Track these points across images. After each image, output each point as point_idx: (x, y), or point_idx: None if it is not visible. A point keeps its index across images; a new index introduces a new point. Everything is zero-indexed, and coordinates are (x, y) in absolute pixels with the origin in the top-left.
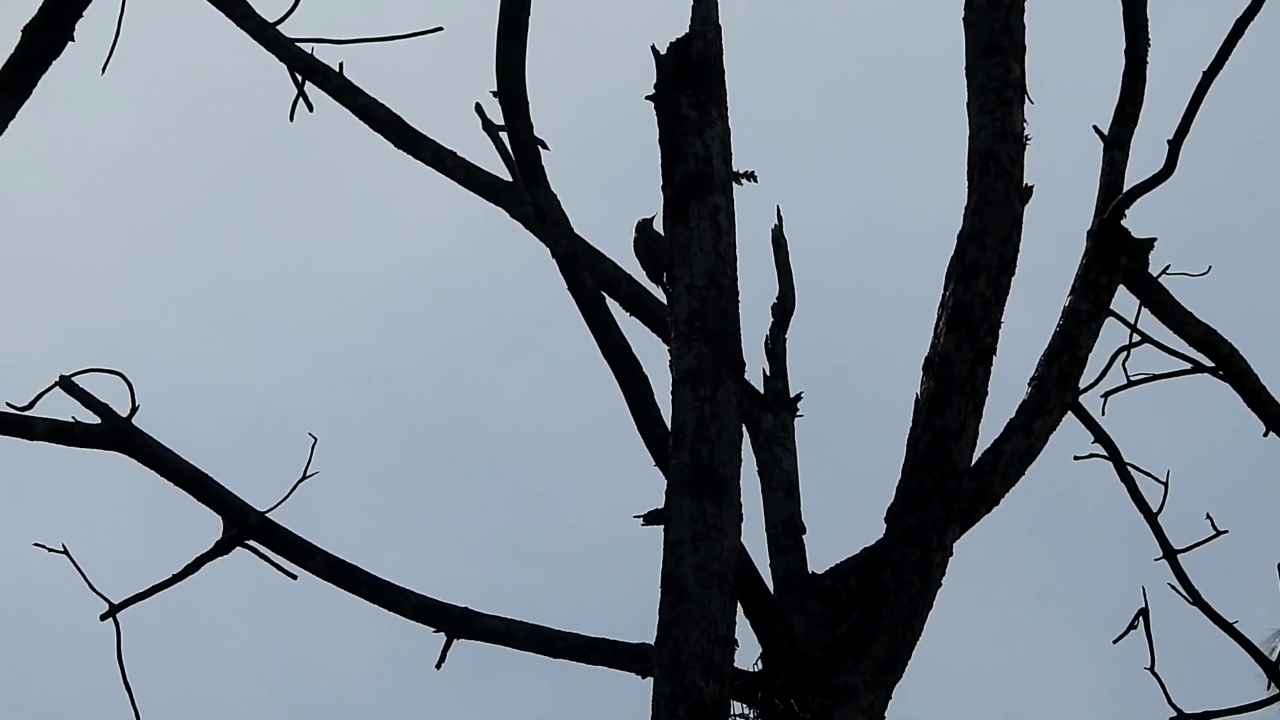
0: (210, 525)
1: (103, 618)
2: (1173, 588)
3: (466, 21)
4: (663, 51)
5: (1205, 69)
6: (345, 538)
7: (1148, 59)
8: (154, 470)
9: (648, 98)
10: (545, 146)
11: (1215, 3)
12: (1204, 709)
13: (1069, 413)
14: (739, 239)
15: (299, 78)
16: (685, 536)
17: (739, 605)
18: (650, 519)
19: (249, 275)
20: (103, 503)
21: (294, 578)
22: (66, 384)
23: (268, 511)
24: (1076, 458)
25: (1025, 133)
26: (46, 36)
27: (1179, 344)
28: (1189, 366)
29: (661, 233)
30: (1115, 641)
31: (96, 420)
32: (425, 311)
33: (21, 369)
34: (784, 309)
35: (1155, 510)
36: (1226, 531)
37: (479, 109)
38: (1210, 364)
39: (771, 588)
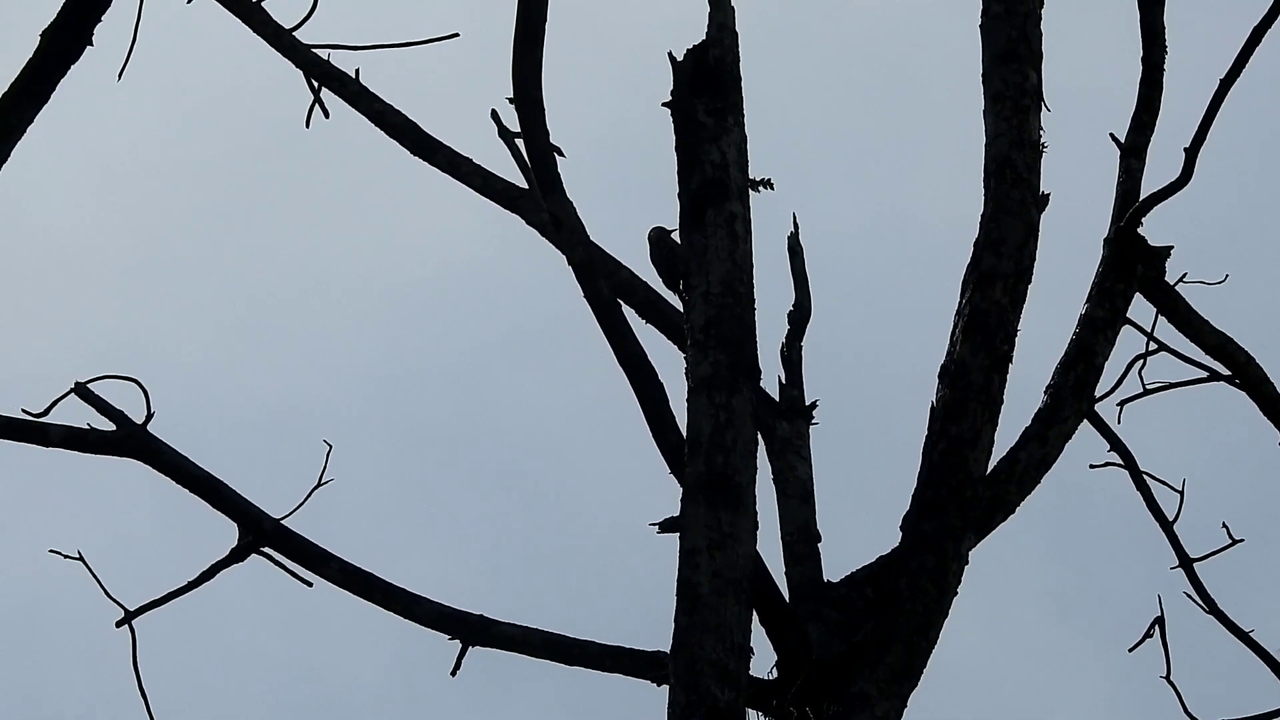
0: (225, 532)
1: (118, 625)
2: (1189, 596)
3: (483, 28)
4: (680, 58)
5: (1222, 77)
6: (360, 545)
7: (1164, 66)
8: (169, 477)
9: (664, 104)
10: (561, 153)
11: (1232, 10)
12: (1220, 718)
13: (1085, 421)
14: (755, 246)
15: (315, 84)
16: (700, 544)
17: (754, 613)
18: (665, 526)
19: (263, 282)
20: (118, 510)
21: (309, 585)
22: (81, 390)
23: (283, 518)
24: (1092, 466)
25: (1042, 140)
26: (64, 41)
27: (1195, 352)
28: (1205, 375)
29: (678, 240)
30: (1131, 650)
31: (112, 427)
32: (441, 318)
33: (36, 375)
34: (800, 316)
35: (1171, 519)
36: (1242, 540)
37: (495, 116)
38: (1227, 372)
39: (787, 595)
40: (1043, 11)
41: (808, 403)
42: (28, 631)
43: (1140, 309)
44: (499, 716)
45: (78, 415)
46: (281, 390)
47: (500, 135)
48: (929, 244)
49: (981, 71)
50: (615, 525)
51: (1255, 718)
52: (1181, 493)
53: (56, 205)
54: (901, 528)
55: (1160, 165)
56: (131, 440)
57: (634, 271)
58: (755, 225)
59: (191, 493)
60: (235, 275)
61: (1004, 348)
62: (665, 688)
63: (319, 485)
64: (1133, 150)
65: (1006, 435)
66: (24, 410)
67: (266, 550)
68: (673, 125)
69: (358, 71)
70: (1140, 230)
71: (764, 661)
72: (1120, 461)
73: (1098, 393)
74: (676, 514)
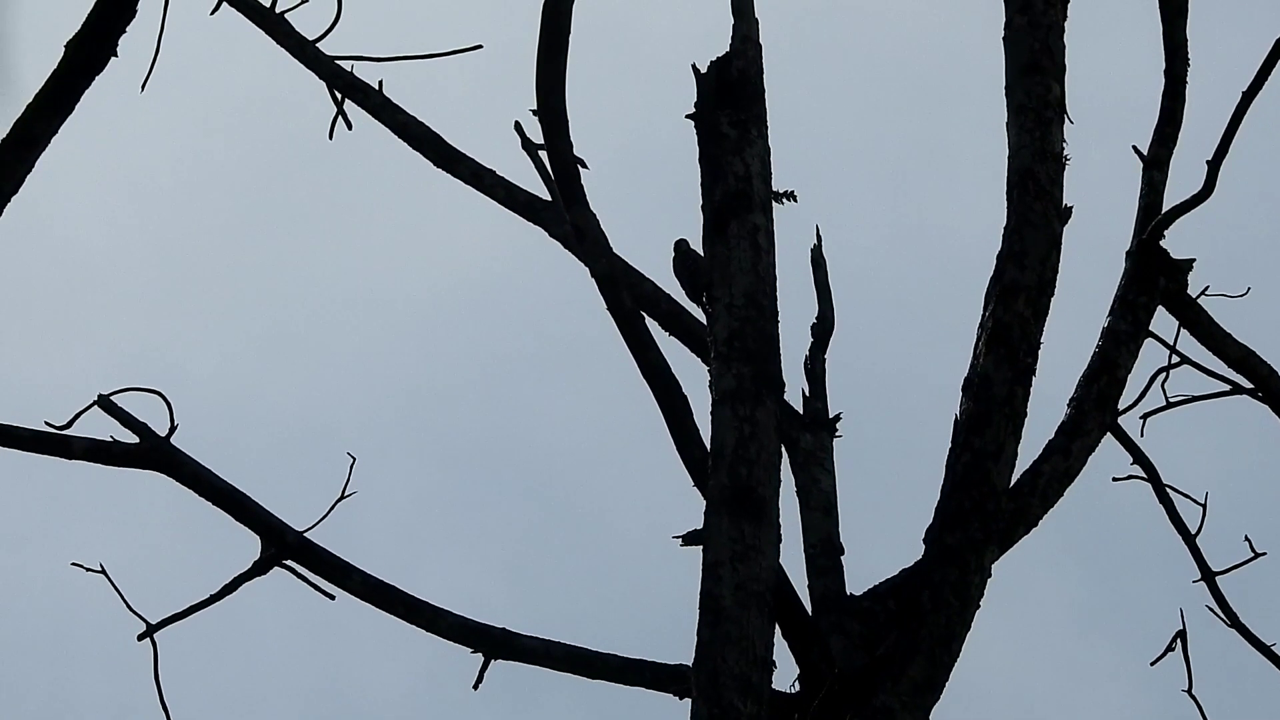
0: (248, 545)
1: (140, 638)
2: (1211, 610)
3: (506, 39)
4: (703, 70)
5: (1245, 89)
6: (383, 558)
7: (1187, 79)
8: (192, 489)
9: (688, 116)
10: (584, 165)
11: (1255, 23)
12: None
13: (1108, 434)
14: (778, 259)
15: (338, 95)
16: (724, 557)
17: (777, 626)
18: (689, 539)
19: (286, 294)
20: (141, 522)
21: (332, 598)
22: (105, 403)
23: (306, 531)
24: (1115, 479)
25: (1064, 153)
26: (89, 52)
27: (1218, 365)
28: (1228, 388)
29: (701, 252)
30: (1153, 663)
31: (135, 439)
32: (463, 330)
33: (60, 388)
34: (823, 329)
35: (1194, 532)
36: (1265, 553)
37: (518, 127)
38: (1249, 385)
39: (809, 608)
40: (1066, 24)
41: (831, 415)
42: (51, 644)
43: (1163, 322)
44: None
45: (101, 428)
46: (304, 402)
47: (523, 147)
48: (952, 256)
49: (1005, 84)
50: (638, 538)
51: None
52: (1204, 506)
53: (79, 216)
54: (924, 540)
55: (1183, 178)
56: (154, 453)
57: (657, 284)
58: (778, 237)
59: (214, 505)
60: (257, 287)
61: (1027, 360)
62: (687, 701)
63: (342, 498)
64: (1155, 163)
65: (1030, 448)
66: (47, 423)
67: (289, 563)
68: (696, 137)
69: (381, 83)
70: (1163, 243)
71: (786, 674)
72: (1143, 474)
73: (1121, 405)
74: (700, 527)
